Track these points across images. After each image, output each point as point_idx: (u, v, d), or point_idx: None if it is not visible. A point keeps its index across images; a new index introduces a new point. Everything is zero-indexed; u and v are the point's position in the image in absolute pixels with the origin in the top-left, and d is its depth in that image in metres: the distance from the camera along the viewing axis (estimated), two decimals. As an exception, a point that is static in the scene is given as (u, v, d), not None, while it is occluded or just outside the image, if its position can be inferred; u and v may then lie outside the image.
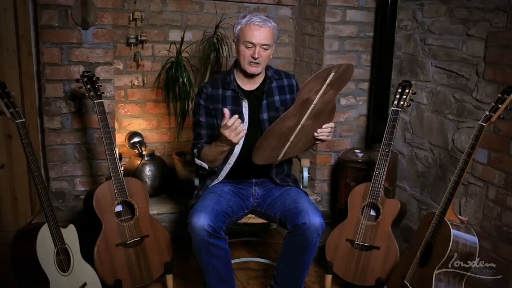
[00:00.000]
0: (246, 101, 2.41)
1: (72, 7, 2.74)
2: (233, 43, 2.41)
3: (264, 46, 2.30)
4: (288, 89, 2.49)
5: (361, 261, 2.61)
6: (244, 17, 2.33)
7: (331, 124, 2.28)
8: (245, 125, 2.40)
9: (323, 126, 2.26)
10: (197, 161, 2.37)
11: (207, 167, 2.37)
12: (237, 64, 2.41)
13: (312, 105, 2.14)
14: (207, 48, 3.19)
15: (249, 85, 2.44)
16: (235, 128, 2.12)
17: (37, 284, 2.06)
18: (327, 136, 2.29)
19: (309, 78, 2.10)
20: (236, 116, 2.13)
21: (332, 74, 2.09)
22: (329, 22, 3.29)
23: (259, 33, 2.28)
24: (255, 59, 2.30)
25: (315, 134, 2.26)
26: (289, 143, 2.22)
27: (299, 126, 2.18)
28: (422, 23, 3.13)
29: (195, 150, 2.38)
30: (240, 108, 2.40)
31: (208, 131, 2.41)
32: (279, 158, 2.28)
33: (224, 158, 2.36)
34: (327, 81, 2.10)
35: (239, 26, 2.33)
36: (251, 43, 2.29)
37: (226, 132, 2.12)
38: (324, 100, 2.16)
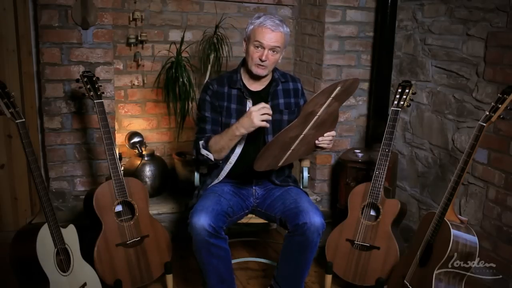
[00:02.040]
0: (251, 101, 2.41)
1: (72, 7, 2.74)
2: (243, 42, 2.41)
3: (273, 50, 2.30)
4: (293, 92, 2.49)
5: (361, 261, 2.61)
6: (259, 18, 2.32)
7: (333, 133, 2.28)
8: None
9: (325, 135, 2.26)
10: (203, 152, 2.35)
11: (212, 158, 2.34)
12: (244, 64, 2.41)
13: (316, 117, 2.15)
14: (207, 48, 3.19)
15: (255, 86, 2.44)
16: (264, 112, 2.14)
17: (37, 284, 2.06)
18: (328, 144, 2.30)
19: (316, 93, 2.11)
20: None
21: (338, 88, 2.10)
22: (329, 22, 3.29)
23: (270, 36, 2.28)
24: (262, 61, 2.31)
25: (316, 142, 2.27)
26: (290, 151, 2.23)
27: (302, 136, 2.19)
28: (422, 23, 3.13)
29: (201, 142, 2.36)
30: (244, 107, 2.40)
31: (213, 127, 2.41)
32: (279, 164, 2.28)
33: (227, 155, 2.36)
34: (333, 95, 2.11)
35: (252, 26, 2.32)
36: (261, 44, 2.29)
37: (255, 108, 2.15)
38: (328, 111, 2.16)
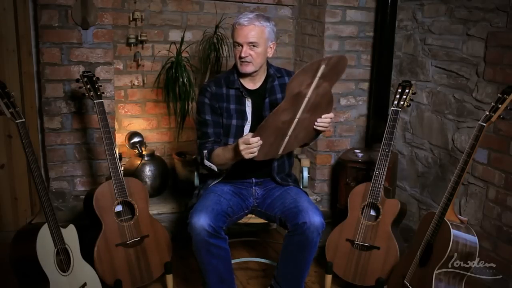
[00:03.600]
0: (250, 100, 2.41)
1: (72, 7, 2.74)
2: None
3: (251, 44, 2.30)
4: None
5: (361, 261, 2.61)
6: (236, 18, 2.35)
7: (330, 115, 2.27)
8: (249, 124, 2.40)
9: (322, 116, 2.25)
10: (207, 163, 2.36)
11: (216, 169, 2.36)
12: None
13: (306, 99, 2.12)
14: (207, 48, 3.19)
15: (252, 84, 2.44)
16: (252, 147, 2.10)
17: (37, 284, 2.06)
18: (326, 126, 2.28)
19: (297, 71, 2.08)
20: (258, 138, 2.11)
21: (323, 67, 2.06)
22: (329, 22, 3.29)
23: (244, 32, 2.28)
24: (241, 58, 2.31)
25: (314, 125, 2.26)
26: (287, 137, 2.21)
27: (296, 120, 2.17)
28: (422, 23, 3.13)
29: (205, 152, 2.36)
30: (243, 107, 2.40)
31: (215, 130, 2.41)
32: (280, 152, 2.27)
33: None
34: (318, 74, 2.07)
35: (232, 29, 2.36)
36: (238, 43, 2.31)
37: (242, 146, 2.11)
38: (318, 93, 2.14)
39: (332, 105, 2.27)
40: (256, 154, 2.13)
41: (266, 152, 2.20)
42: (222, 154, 2.30)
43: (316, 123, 2.25)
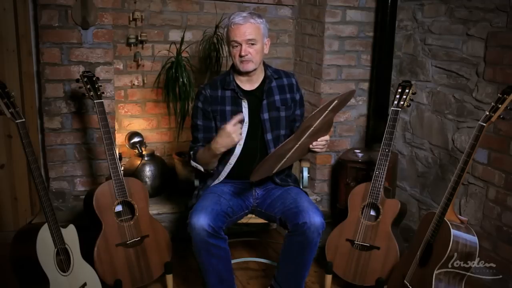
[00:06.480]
0: (246, 101, 2.41)
1: (72, 7, 2.74)
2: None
3: (250, 42, 2.31)
4: (288, 88, 2.49)
5: (361, 261, 2.61)
6: (228, 18, 2.35)
7: (326, 137, 2.30)
8: (246, 125, 2.40)
9: (319, 140, 2.28)
10: (193, 163, 2.42)
11: (202, 170, 2.40)
12: (234, 66, 2.42)
13: (312, 128, 2.17)
14: (207, 48, 3.19)
15: (249, 85, 2.44)
16: (231, 133, 2.16)
17: (37, 284, 2.06)
18: (321, 148, 2.32)
19: (314, 112, 2.12)
20: (233, 123, 2.16)
21: (335, 102, 2.12)
22: (329, 22, 3.29)
23: (241, 30, 2.29)
24: (242, 56, 2.31)
25: (310, 146, 2.29)
26: (285, 159, 2.25)
27: (297, 146, 2.21)
28: (422, 23, 3.13)
29: (191, 152, 2.42)
30: (239, 108, 2.40)
31: (205, 135, 2.42)
32: (274, 171, 2.31)
33: (220, 160, 2.39)
34: (329, 108, 2.13)
35: (225, 29, 2.36)
36: (236, 42, 2.31)
37: (231, 128, 2.16)
38: (323, 121, 2.18)
39: (331, 128, 2.30)
40: (239, 136, 2.20)
41: (262, 173, 2.25)
42: (203, 153, 2.34)
43: (311, 145, 2.29)
